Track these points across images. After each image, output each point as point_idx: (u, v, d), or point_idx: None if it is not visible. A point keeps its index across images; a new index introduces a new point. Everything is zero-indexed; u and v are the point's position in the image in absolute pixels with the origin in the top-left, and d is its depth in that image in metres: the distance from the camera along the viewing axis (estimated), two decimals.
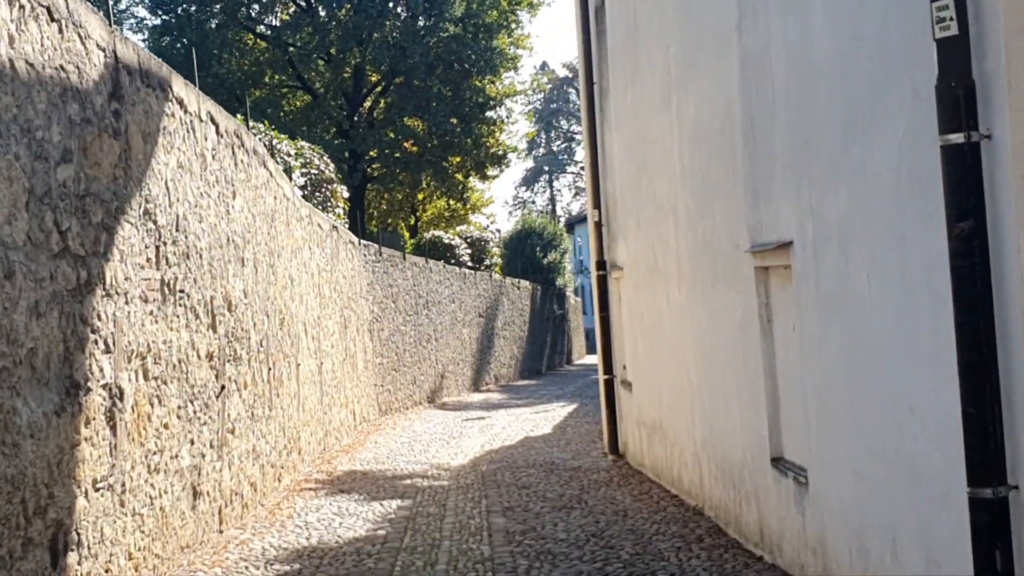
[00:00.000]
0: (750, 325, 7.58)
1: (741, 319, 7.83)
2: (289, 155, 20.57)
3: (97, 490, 6.89)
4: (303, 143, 23.46)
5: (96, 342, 6.86)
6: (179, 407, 8.59)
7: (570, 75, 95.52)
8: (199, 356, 9.14)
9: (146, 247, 7.83)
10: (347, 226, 23.35)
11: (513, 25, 39.56)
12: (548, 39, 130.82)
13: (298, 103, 39.35)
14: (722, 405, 8.49)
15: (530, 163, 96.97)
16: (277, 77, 38.80)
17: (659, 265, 10.48)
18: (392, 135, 38.35)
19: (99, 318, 6.90)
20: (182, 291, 8.64)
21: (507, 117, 41.21)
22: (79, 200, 6.63)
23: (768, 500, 7.50)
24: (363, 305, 22.38)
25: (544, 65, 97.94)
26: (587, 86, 13.84)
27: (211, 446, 9.52)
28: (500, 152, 40.84)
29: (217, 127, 9.92)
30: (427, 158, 38.47)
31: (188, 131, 8.94)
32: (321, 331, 17.58)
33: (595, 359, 51.82)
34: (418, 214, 45.97)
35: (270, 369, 12.41)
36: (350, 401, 20.06)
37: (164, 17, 37.27)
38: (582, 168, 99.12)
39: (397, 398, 24.87)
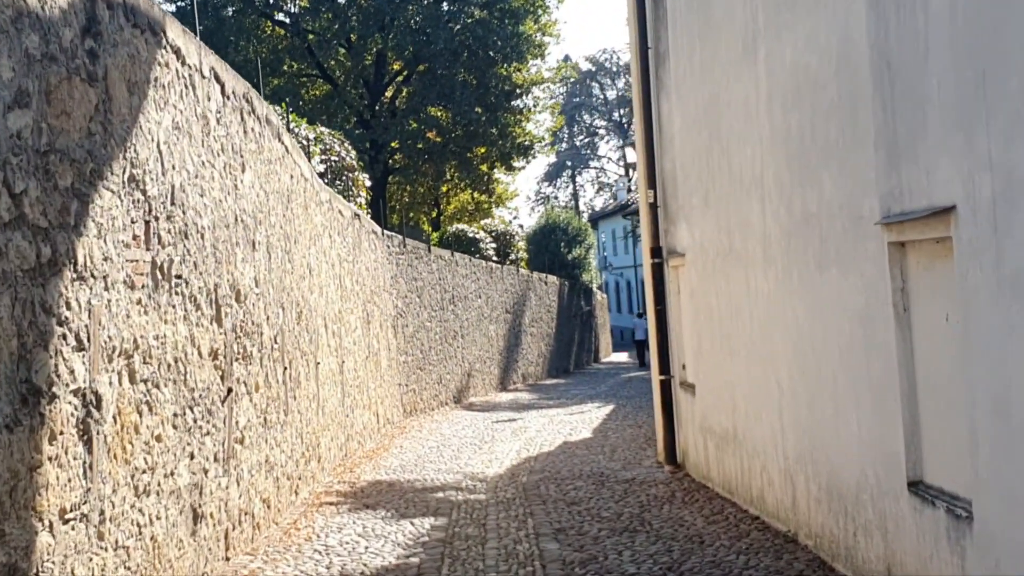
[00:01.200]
0: (877, 316, 6.11)
1: (863, 308, 6.35)
2: (307, 139, 19.19)
3: (67, 522, 5.46)
4: (322, 128, 22.12)
5: (65, 337, 5.43)
6: (176, 415, 7.17)
7: (593, 68, 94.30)
8: (200, 354, 7.71)
9: (132, 222, 6.39)
10: (369, 216, 21.96)
11: (540, 11, 38.03)
12: (570, 33, 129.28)
13: (317, 92, 37.96)
14: (829, 413, 7.01)
15: (553, 158, 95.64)
16: (296, 65, 37.40)
17: (737, 249, 9.00)
18: (415, 125, 36.91)
19: (68, 307, 5.47)
20: (179, 277, 7.21)
21: (534, 106, 39.63)
22: (40, 157, 5.20)
23: (902, 533, 6.02)
24: (387, 299, 20.96)
25: (567, 59, 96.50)
26: (640, 52, 12.36)
27: (215, 459, 8.10)
28: (526, 142, 39.31)
29: (223, 87, 8.48)
30: (451, 148, 37.01)
31: (187, 87, 7.51)
32: (343, 326, 16.16)
33: (623, 357, 50.52)
34: (441, 207, 44.52)
35: (286, 368, 10.99)
36: (373, 402, 18.64)
37: (180, 3, 35.92)
38: (606, 162, 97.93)
39: (422, 398, 23.45)
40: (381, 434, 18.82)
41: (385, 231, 21.97)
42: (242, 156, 8.98)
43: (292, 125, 18.60)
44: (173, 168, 7.10)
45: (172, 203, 7.07)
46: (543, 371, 37.62)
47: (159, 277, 6.82)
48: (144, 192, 6.56)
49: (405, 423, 20.95)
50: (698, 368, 11.04)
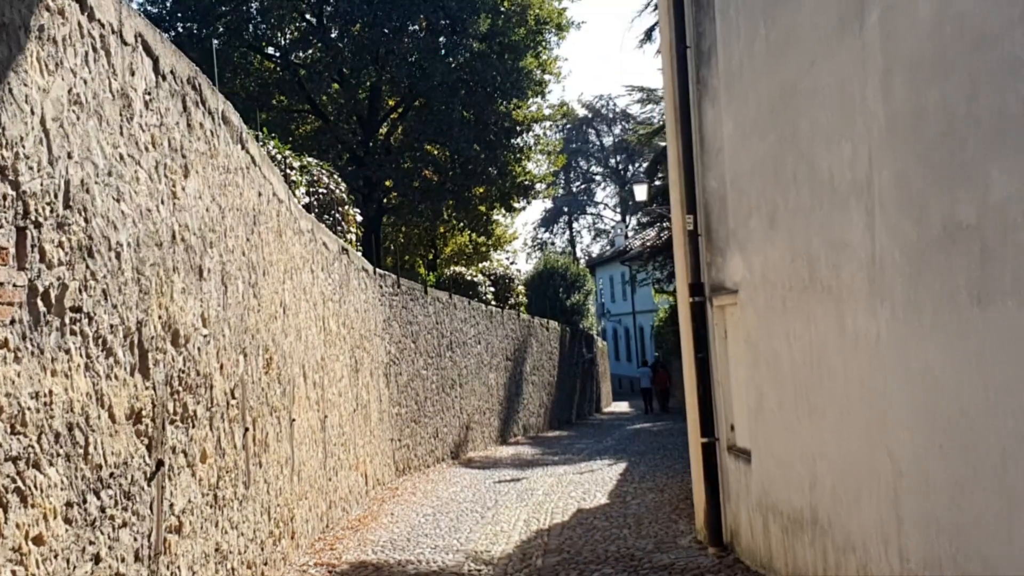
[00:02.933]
0: None
1: None
2: (292, 168, 17.21)
3: None
4: (310, 159, 20.17)
5: None
6: (70, 504, 5.08)
7: (589, 115, 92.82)
8: (113, 417, 5.63)
9: None
10: (360, 254, 19.96)
11: (540, 46, 36.22)
12: (566, 80, 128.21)
13: (308, 127, 36.03)
14: (992, 508, 4.94)
15: (550, 203, 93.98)
16: (285, 99, 35.52)
17: (822, 280, 6.95)
18: (410, 163, 34.98)
19: None
20: (77, 310, 5.15)
21: (534, 144, 37.66)
22: None
23: None
24: (378, 345, 18.89)
25: (565, 116, 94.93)
26: (675, 52, 10.36)
27: (137, 559, 5.99)
28: (527, 182, 37.34)
29: (156, 62, 6.46)
30: (448, 187, 35.04)
31: (96, 51, 5.48)
32: (326, 376, 14.09)
33: (624, 406, 48.24)
34: (438, 249, 42.50)
35: (248, 430, 8.88)
36: (361, 461, 16.51)
37: (164, 35, 34.08)
38: (602, 208, 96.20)
39: (417, 454, 21.31)
40: (370, 498, 16.68)
41: (378, 270, 19.94)
42: (185, 156, 6.94)
43: (274, 150, 16.66)
44: (69, 157, 5.06)
45: (66, 206, 5.02)
46: (545, 423, 35.48)
47: (42, 310, 4.76)
48: (15, 186, 4.52)
49: (397, 484, 18.80)
50: (756, 431, 8.96)
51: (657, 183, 38.71)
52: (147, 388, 6.15)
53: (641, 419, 39.37)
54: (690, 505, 13.85)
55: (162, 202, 6.42)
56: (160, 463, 6.37)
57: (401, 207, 36.11)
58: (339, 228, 19.33)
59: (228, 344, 8.11)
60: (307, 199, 17.99)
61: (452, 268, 34.33)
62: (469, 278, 32.55)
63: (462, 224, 38.85)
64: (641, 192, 28.94)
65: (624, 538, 11.88)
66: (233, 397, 8.30)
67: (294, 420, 11.50)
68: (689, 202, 10.20)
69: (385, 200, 36.02)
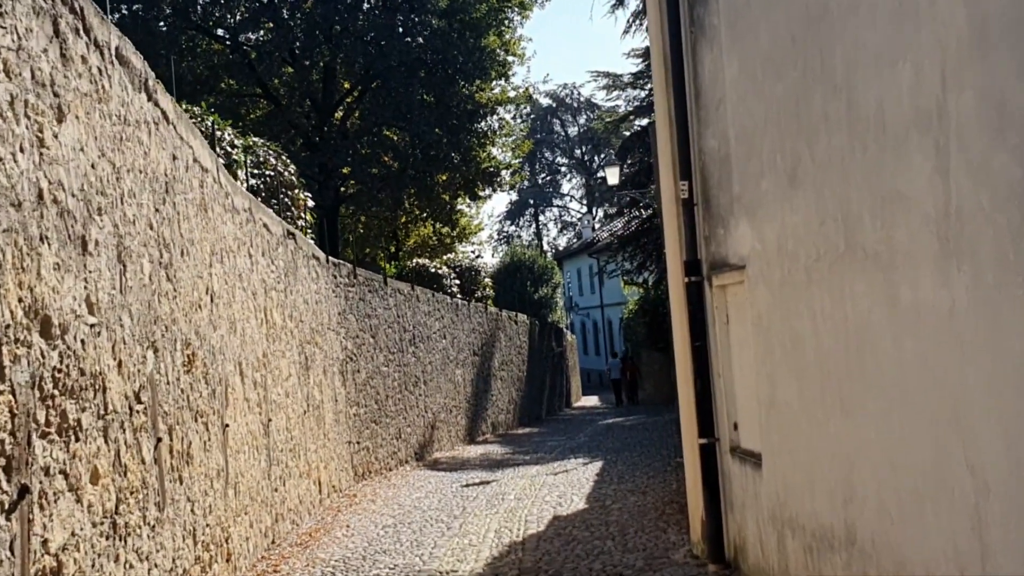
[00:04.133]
0: None
1: None
2: (234, 147, 15.71)
3: None
4: (257, 139, 18.65)
5: None
6: None
7: (554, 104, 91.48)
8: None
9: None
10: (314, 242, 18.47)
11: (503, 25, 34.65)
12: (533, 76, 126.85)
13: (260, 112, 34.29)
14: None
15: (515, 195, 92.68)
16: (235, 83, 33.78)
17: (866, 243, 5.54)
18: (368, 149, 33.35)
19: None
20: None
21: (499, 128, 36.05)
22: None
23: None
24: (333, 340, 17.39)
25: (530, 99, 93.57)
26: None
27: None
28: (491, 168, 35.78)
29: None
30: (409, 174, 33.43)
31: None
32: (269, 374, 12.59)
33: (594, 400, 47.05)
34: (400, 240, 40.89)
35: (161, 440, 7.37)
36: (314, 468, 15.01)
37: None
38: (568, 201, 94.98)
39: (377, 457, 19.82)
40: (324, 508, 15.18)
41: (331, 258, 18.43)
42: (57, 95, 5.43)
43: (214, 127, 15.15)
44: None
45: None
46: (514, 419, 34.04)
47: None
48: None
49: (356, 490, 17.31)
50: (769, 430, 7.54)
51: (628, 169, 37.49)
52: (2, 392, 4.66)
53: (612, 413, 38.05)
54: (677, 510, 12.47)
55: (21, 150, 4.92)
56: (25, 489, 4.87)
57: (359, 195, 34.46)
58: (288, 214, 17.88)
59: (129, 336, 6.60)
60: (252, 181, 16.55)
61: (415, 260, 32.82)
62: (433, 270, 31.10)
63: (425, 214, 37.26)
64: (613, 175, 27.58)
65: (609, 552, 10.45)
66: (139, 401, 6.79)
67: (228, 426, 10.00)
68: (683, 166, 8.78)
69: (343, 188, 34.39)
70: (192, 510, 8.46)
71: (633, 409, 39.43)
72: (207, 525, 9.02)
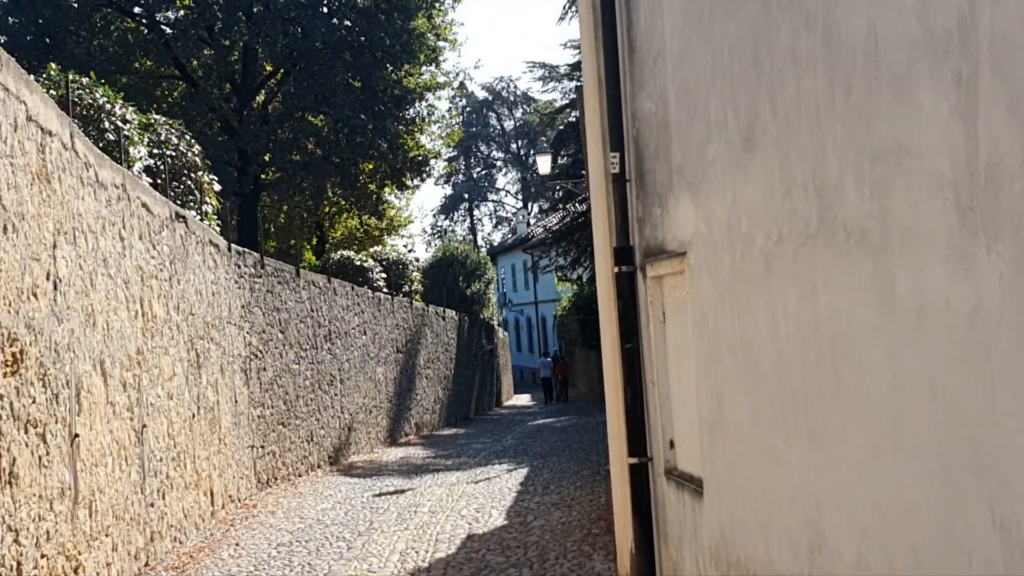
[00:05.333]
0: None
1: None
2: (126, 122, 14.15)
3: None
4: (158, 116, 17.08)
5: None
6: None
7: (490, 98, 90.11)
8: None
9: None
10: (218, 230, 16.94)
11: (434, 9, 33.15)
12: (466, 60, 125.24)
13: (176, 94, 32.52)
14: None
15: (449, 189, 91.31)
16: (150, 63, 31.98)
17: (848, 218, 4.21)
18: (290, 134, 31.71)
19: None
20: None
21: (428, 115, 34.52)
22: None
23: None
24: (234, 335, 15.85)
25: (463, 87, 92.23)
26: None
27: None
28: (420, 157, 34.25)
29: None
30: (333, 161, 31.83)
31: None
32: (146, 374, 11.07)
33: (526, 399, 45.85)
34: (324, 232, 39.22)
35: None
36: (204, 477, 13.49)
37: None
38: (504, 195, 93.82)
39: (285, 462, 18.29)
40: (216, 521, 13.66)
41: (235, 246, 16.88)
42: None
43: (102, 98, 13.60)
44: None
45: None
46: (440, 420, 32.59)
47: None
48: None
49: (257, 499, 15.79)
50: (713, 452, 6.19)
51: (563, 160, 36.25)
52: None
53: (543, 414, 36.77)
54: (605, 530, 11.15)
55: None
56: None
57: (280, 183, 32.78)
58: (192, 198, 16.35)
59: None
60: (151, 162, 15.02)
61: (340, 252, 31.23)
62: (359, 263, 29.58)
63: (348, 203, 35.66)
64: (544, 164, 26.23)
65: None
66: None
67: (78, 436, 8.48)
68: (614, 135, 7.41)
69: (263, 175, 32.71)
70: (16, 541, 6.95)
71: (564, 408, 38.28)
72: (42, 556, 7.52)
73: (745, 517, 5.69)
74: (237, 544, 12.13)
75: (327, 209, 36.45)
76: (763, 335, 5.23)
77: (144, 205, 11.47)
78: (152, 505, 11.08)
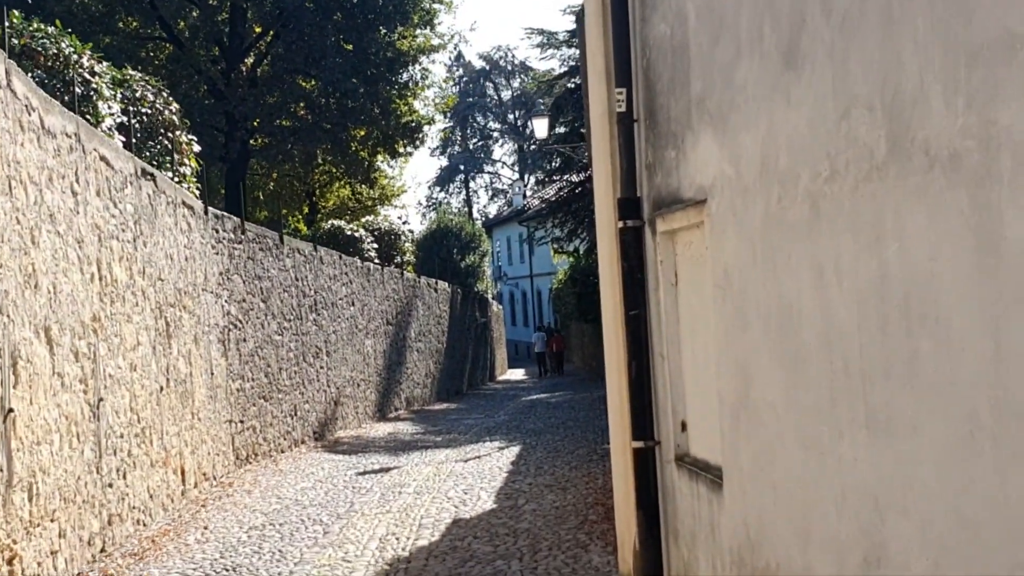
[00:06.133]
0: None
1: None
2: (95, 75, 13.15)
3: None
4: (134, 72, 16.09)
5: None
6: None
7: (487, 67, 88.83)
8: None
9: None
10: (197, 194, 15.95)
11: None
12: (463, 28, 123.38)
13: (162, 55, 31.38)
14: None
15: (445, 161, 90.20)
16: (135, 22, 30.83)
17: (936, 141, 3.23)
18: (278, 98, 30.60)
19: None
20: None
21: (422, 79, 33.34)
22: None
23: None
24: (210, 303, 14.89)
25: (459, 57, 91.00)
26: None
27: None
28: (413, 123, 33.13)
29: None
30: (323, 127, 30.74)
31: None
32: (104, 343, 10.12)
33: (519, 374, 45.01)
34: (315, 201, 38.13)
35: None
36: (174, 454, 12.55)
37: None
38: (500, 167, 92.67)
39: (267, 438, 17.35)
40: (187, 501, 12.74)
41: (213, 209, 15.90)
42: None
43: (68, 48, 12.60)
44: None
45: None
46: (432, 394, 31.67)
47: None
48: None
49: (235, 477, 14.87)
50: (736, 438, 5.23)
51: (561, 128, 35.21)
52: None
53: (537, 389, 35.87)
54: (603, 516, 10.24)
55: None
56: None
57: (269, 149, 31.68)
58: (169, 159, 15.35)
59: None
60: (124, 119, 14.03)
61: (330, 222, 30.20)
62: (350, 233, 28.58)
63: (339, 171, 34.57)
64: (541, 128, 25.19)
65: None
66: None
67: (12, 411, 7.53)
68: (620, 69, 6.41)
69: (252, 142, 31.63)
70: None
71: (559, 383, 37.41)
72: None
73: (777, 517, 4.73)
74: (206, 527, 11.20)
75: (318, 177, 35.39)
76: (806, 297, 4.26)
77: (103, 159, 10.48)
78: (110, 486, 10.14)
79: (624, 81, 6.37)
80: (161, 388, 12.17)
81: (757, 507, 4.99)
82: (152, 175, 12.47)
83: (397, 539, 10.15)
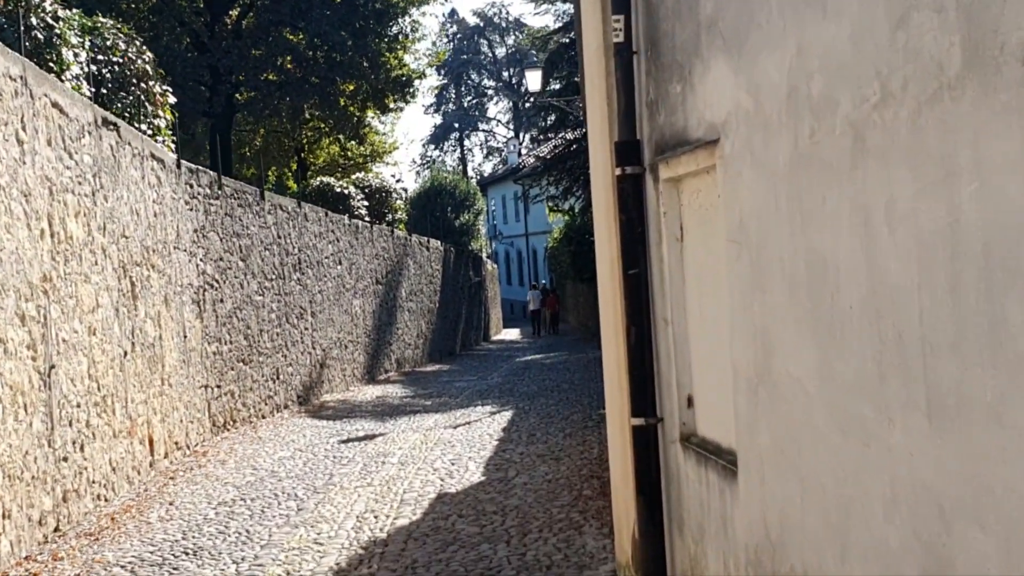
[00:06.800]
0: None
1: None
2: (58, 19, 12.33)
3: None
4: (104, 20, 15.24)
5: None
6: None
7: (481, 24, 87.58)
8: None
9: None
10: (173, 149, 15.14)
11: None
12: None
13: (143, 6, 30.28)
14: None
15: (438, 119, 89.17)
16: None
17: None
18: (264, 50, 29.60)
19: None
20: None
21: (412, 31, 32.29)
22: None
23: None
24: (183, 262, 14.10)
25: (453, 13, 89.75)
26: None
27: None
28: (403, 77, 32.13)
29: None
30: (311, 81, 29.78)
31: None
32: (57, 304, 9.33)
33: (515, 333, 44.25)
34: (304, 158, 37.17)
35: None
36: (141, 423, 11.79)
37: None
38: (495, 125, 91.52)
39: (247, 403, 16.60)
40: (155, 473, 12.01)
41: (187, 163, 15.07)
42: None
43: None
44: None
45: None
46: (423, 355, 30.93)
47: None
48: None
49: (211, 445, 14.14)
50: (755, 418, 4.45)
51: (555, 83, 34.30)
52: None
53: (532, 349, 35.16)
54: (598, 492, 9.52)
55: None
56: None
57: (255, 103, 30.71)
58: (143, 111, 14.52)
59: None
60: (93, 68, 13.25)
61: (319, 179, 29.31)
62: (339, 190, 27.75)
63: (328, 127, 33.62)
64: (535, 80, 24.29)
65: (500, 566, 7.41)
66: None
67: None
68: None
69: (238, 96, 30.66)
70: None
71: (554, 343, 36.72)
72: None
73: (806, 516, 3.96)
74: (172, 503, 10.46)
75: (307, 134, 34.44)
76: (845, 250, 3.46)
77: (55, 105, 9.63)
78: (65, 460, 9.38)
79: (622, 7, 5.53)
80: (125, 353, 11.39)
81: (780, 501, 4.21)
82: (115, 124, 11.62)
83: (376, 517, 9.40)
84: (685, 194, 5.37)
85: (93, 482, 10.13)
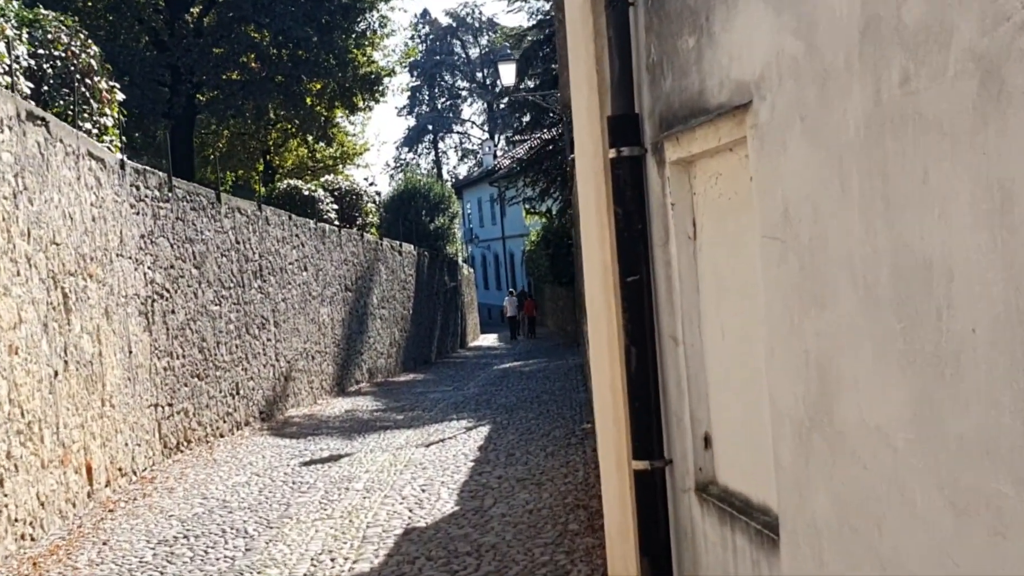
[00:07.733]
0: None
1: None
2: None
3: None
4: (46, 11, 14.04)
5: None
6: None
7: (454, 24, 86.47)
8: None
9: None
10: (120, 150, 13.97)
11: None
12: None
13: (99, 3, 28.98)
14: None
15: (412, 120, 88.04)
16: None
17: None
18: (226, 48, 28.34)
19: None
20: None
21: (380, 27, 31.08)
22: None
23: None
24: (128, 271, 12.90)
25: (425, 13, 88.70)
26: None
27: None
28: (372, 75, 30.91)
29: None
30: (276, 80, 28.56)
31: None
32: None
33: (492, 339, 43.04)
34: (270, 159, 35.89)
35: None
36: (76, 451, 10.59)
37: None
38: (470, 127, 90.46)
39: (202, 421, 15.38)
40: (94, 504, 10.81)
41: (132, 164, 13.87)
42: None
43: None
44: None
45: None
46: (397, 364, 29.73)
47: None
48: None
49: (160, 470, 12.95)
50: (808, 470, 3.34)
51: (531, 80, 33.33)
52: None
53: (510, 356, 34.02)
54: (586, 523, 8.41)
55: None
56: None
57: (217, 103, 29.43)
58: (87, 109, 13.36)
59: None
60: (31, 62, 12.12)
61: (286, 182, 28.08)
62: (307, 193, 26.51)
63: (294, 127, 32.37)
64: (508, 73, 23.11)
65: None
66: None
67: None
68: None
69: (199, 96, 29.40)
70: None
71: (532, 349, 35.64)
72: None
73: None
74: (106, 542, 9.28)
75: (273, 135, 33.20)
76: (965, 247, 2.35)
77: None
78: None
79: None
80: (56, 373, 10.20)
81: None
82: (43, 120, 10.43)
83: (332, 560, 8.24)
84: (699, 179, 4.25)
85: (16, 520, 8.94)
